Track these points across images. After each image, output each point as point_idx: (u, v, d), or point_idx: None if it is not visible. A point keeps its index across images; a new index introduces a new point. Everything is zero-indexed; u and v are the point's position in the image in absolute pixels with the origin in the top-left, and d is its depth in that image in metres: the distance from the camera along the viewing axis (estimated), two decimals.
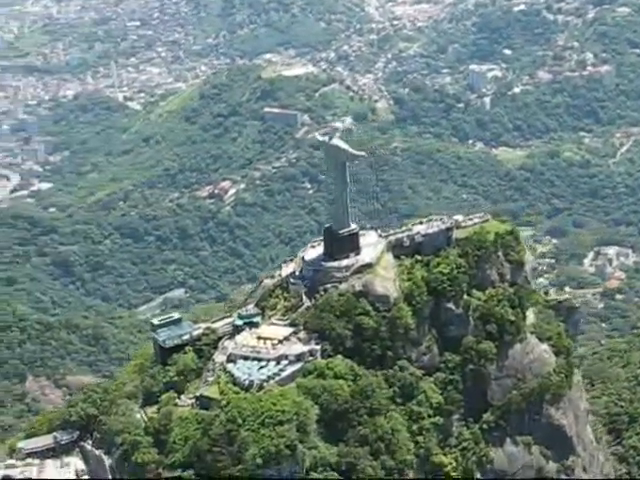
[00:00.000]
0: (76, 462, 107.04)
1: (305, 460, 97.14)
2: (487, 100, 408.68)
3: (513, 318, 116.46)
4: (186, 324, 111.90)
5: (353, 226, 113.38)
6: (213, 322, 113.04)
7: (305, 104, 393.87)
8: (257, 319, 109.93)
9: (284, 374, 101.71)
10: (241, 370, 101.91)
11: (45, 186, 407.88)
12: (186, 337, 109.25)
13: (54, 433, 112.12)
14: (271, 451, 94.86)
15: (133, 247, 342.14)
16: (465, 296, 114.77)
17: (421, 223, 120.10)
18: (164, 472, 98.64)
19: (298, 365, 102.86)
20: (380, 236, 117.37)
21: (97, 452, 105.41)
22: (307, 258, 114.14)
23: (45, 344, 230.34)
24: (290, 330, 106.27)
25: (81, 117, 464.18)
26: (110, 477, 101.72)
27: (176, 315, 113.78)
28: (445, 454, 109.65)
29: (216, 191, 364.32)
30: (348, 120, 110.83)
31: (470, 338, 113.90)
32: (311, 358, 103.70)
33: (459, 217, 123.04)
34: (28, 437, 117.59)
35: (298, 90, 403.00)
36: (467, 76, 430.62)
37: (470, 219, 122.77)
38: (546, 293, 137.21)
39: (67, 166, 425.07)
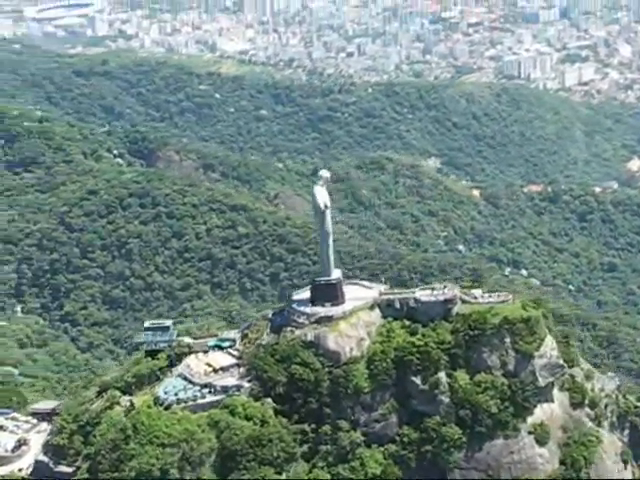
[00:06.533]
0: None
1: None
2: None
3: (495, 410, 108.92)
4: (171, 333, 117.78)
5: (335, 276, 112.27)
6: (199, 338, 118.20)
7: None
8: (226, 344, 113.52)
9: (200, 401, 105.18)
10: (167, 387, 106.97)
11: None
12: (162, 345, 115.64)
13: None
14: (144, 469, 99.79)
15: None
16: (441, 374, 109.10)
17: (433, 289, 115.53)
18: (80, 460, 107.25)
19: (220, 396, 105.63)
20: (381, 293, 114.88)
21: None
22: (295, 297, 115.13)
23: None
24: (232, 362, 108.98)
25: None
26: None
27: (167, 322, 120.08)
28: None
29: None
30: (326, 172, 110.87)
31: (436, 419, 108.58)
32: (237, 393, 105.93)
33: (477, 292, 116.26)
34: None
35: None
36: None
37: (489, 296, 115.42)
38: (624, 396, 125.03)
39: None
